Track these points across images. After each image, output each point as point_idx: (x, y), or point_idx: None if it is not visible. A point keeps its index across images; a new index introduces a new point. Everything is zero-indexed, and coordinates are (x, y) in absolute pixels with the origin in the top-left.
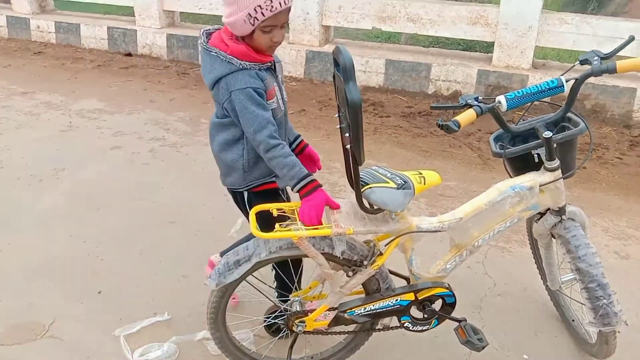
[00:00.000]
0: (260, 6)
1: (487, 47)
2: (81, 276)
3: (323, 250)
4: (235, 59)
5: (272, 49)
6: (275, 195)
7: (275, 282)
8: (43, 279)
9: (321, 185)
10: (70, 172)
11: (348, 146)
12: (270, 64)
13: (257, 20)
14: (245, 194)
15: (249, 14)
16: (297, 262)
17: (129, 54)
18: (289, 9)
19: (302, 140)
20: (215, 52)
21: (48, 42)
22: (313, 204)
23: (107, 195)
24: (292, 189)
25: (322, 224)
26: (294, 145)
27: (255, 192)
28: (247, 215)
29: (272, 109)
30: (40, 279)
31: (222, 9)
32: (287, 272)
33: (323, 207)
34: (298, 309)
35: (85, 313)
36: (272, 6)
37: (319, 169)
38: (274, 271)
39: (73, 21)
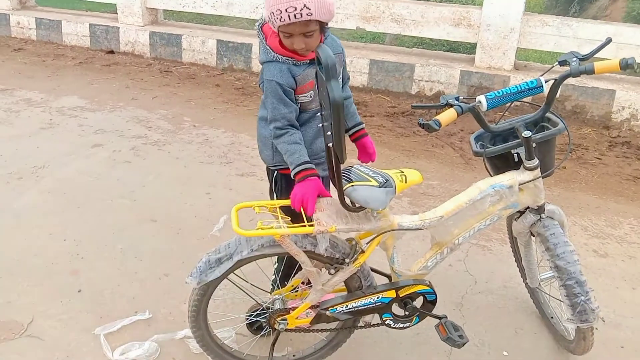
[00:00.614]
0: (273, 13)
1: (470, 49)
2: (61, 275)
3: (305, 248)
4: (270, 49)
5: (298, 52)
6: None
7: (274, 276)
8: (22, 277)
9: (319, 176)
10: (50, 169)
11: (330, 144)
12: (310, 61)
13: (274, 24)
14: (275, 173)
15: (269, 17)
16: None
17: (111, 52)
18: (308, 22)
19: (361, 128)
20: (260, 38)
21: (28, 38)
22: (304, 188)
23: (88, 193)
24: (291, 175)
25: (308, 211)
26: (350, 132)
27: (283, 175)
28: (271, 195)
29: (303, 102)
30: (19, 277)
31: (205, 7)
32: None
33: (314, 194)
34: (280, 307)
35: (64, 312)
36: (281, 17)
37: (372, 161)
38: (276, 264)
39: (54, 18)
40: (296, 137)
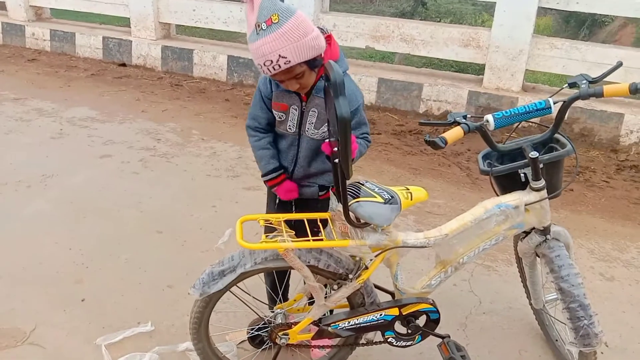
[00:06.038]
0: (259, 65)
1: (479, 70)
2: (65, 283)
3: (309, 262)
4: None
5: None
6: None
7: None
8: (26, 285)
9: (288, 178)
10: (59, 179)
11: (336, 160)
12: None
13: (264, 73)
14: None
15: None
16: (283, 273)
17: (123, 64)
18: (290, 69)
19: None
20: None
21: (42, 49)
22: (283, 193)
23: (95, 203)
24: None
25: (297, 196)
26: None
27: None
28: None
29: (276, 120)
30: (23, 285)
31: (217, 22)
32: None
33: (295, 189)
34: (282, 321)
35: (67, 321)
36: (263, 70)
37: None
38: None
39: (68, 30)
40: (265, 142)
